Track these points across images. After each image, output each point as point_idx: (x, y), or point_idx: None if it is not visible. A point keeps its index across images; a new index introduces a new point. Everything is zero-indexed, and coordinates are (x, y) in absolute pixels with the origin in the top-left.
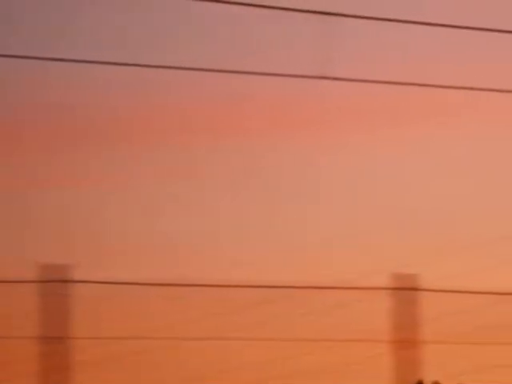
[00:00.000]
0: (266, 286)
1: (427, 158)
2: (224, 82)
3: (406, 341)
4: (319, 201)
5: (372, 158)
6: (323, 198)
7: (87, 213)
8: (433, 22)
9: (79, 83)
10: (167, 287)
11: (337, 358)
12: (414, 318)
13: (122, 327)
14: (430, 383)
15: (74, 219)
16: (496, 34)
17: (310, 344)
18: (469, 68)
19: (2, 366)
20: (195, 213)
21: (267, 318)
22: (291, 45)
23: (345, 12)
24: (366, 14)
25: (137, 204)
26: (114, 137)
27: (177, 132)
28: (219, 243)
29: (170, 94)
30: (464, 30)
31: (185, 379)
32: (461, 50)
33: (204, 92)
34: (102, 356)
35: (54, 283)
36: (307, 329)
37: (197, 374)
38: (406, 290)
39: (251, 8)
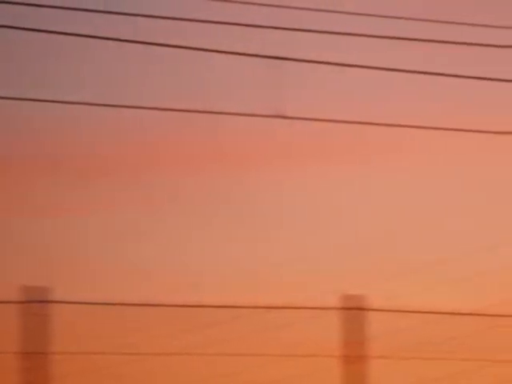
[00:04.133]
0: (226, 307)
1: (371, 190)
2: (186, 120)
3: (353, 356)
4: (272, 230)
5: (320, 189)
6: (276, 227)
7: (65, 240)
8: (379, 65)
9: (60, 122)
10: (137, 307)
11: (289, 371)
12: (361, 335)
13: (97, 343)
14: None
15: (53, 246)
16: (434, 76)
17: (265, 358)
18: (408, 107)
19: None
20: (164, 240)
21: (226, 335)
22: (246, 86)
23: (296, 57)
24: (315, 59)
25: (111, 232)
26: (91, 171)
27: (147, 167)
28: (184, 268)
29: (141, 132)
30: (403, 73)
31: None
32: (402, 90)
33: (170, 129)
34: (79, 369)
35: (35, 303)
36: (263, 345)
37: None
38: (353, 310)
39: (209, 53)
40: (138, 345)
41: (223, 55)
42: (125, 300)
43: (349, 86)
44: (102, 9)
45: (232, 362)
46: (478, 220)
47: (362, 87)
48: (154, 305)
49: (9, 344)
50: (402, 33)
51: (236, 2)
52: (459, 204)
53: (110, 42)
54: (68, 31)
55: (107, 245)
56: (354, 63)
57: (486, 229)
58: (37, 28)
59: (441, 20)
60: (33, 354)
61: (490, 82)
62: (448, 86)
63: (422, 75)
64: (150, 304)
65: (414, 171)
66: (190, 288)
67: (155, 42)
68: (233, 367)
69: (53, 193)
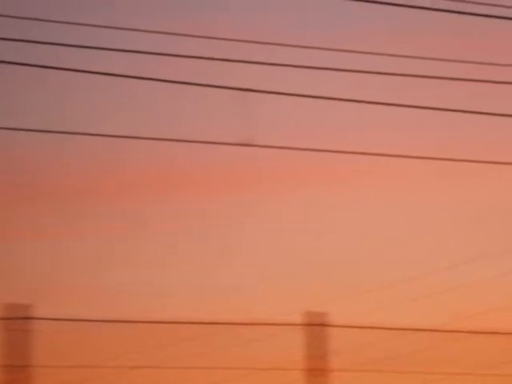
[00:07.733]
0: (197, 323)
1: (333, 213)
2: (160, 148)
3: (316, 369)
4: (240, 252)
5: (284, 212)
6: (244, 249)
7: (47, 261)
8: (343, 97)
9: (40, 150)
10: (115, 323)
11: (256, 383)
12: (324, 350)
13: (76, 357)
14: None
15: (34, 267)
16: (400, 107)
17: (234, 372)
18: (374, 136)
19: None
20: (140, 261)
21: (198, 349)
22: (216, 116)
23: (263, 89)
24: (281, 91)
25: (90, 253)
26: (71, 197)
27: (124, 191)
28: (158, 287)
29: (117, 159)
30: (370, 105)
31: None
32: (368, 120)
33: (143, 157)
34: (60, 382)
35: (17, 320)
36: (232, 359)
37: None
38: (316, 326)
39: (181, 85)
40: (116, 359)
41: (194, 87)
42: (103, 317)
43: (314, 116)
44: (75, 43)
45: (203, 375)
46: (436, 241)
47: (328, 117)
48: (131, 321)
49: None
50: (370, 67)
51: (205, 37)
52: (418, 226)
53: (86, 74)
54: (48, 65)
55: (87, 266)
56: (321, 95)
57: (442, 250)
58: (17, 62)
59: (404, 55)
60: (15, 367)
61: (460, 114)
62: (420, 118)
63: (387, 107)
64: (128, 320)
65: (377, 196)
66: (165, 305)
67: (127, 74)
68: (204, 380)
69: (34, 217)
